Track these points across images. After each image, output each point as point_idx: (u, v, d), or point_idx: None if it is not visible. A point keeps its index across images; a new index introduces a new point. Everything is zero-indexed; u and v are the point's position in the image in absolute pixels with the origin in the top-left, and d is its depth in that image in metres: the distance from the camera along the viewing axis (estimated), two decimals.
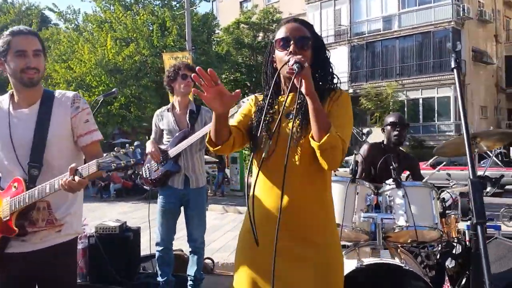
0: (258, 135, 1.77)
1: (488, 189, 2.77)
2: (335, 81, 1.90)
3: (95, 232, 4.33)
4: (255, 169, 1.82)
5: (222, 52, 20.15)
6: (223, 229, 9.47)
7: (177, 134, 3.76)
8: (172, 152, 3.68)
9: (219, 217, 11.14)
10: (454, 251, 3.06)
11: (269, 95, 1.84)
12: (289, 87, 1.71)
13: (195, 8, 19.76)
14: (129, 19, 16.97)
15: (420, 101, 26.61)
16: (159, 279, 3.81)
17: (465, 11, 25.49)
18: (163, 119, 3.86)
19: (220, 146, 1.84)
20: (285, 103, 1.69)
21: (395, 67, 27.80)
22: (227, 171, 17.03)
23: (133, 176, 17.24)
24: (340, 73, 31.71)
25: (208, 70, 1.67)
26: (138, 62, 16.77)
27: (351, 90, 27.05)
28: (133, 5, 18.68)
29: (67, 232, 2.15)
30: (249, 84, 26.98)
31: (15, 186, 2.05)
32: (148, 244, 4.65)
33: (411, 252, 3.11)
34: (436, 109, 26.21)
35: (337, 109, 1.80)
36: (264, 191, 1.81)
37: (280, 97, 1.90)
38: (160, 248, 3.75)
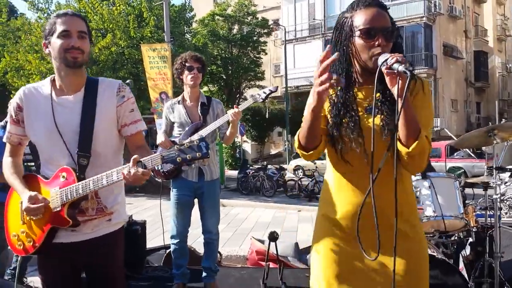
0: (344, 133, 1.70)
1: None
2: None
3: None
4: (332, 170, 1.79)
5: (200, 44, 19.97)
6: None
7: (189, 126, 3.73)
8: None
9: None
10: (472, 240, 3.16)
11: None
12: (357, 81, 1.65)
13: None
14: (105, 10, 16.60)
15: None
16: (174, 271, 3.80)
17: (437, 7, 26.11)
18: (174, 111, 3.82)
19: (311, 152, 1.71)
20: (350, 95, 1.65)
21: None
22: None
23: None
24: (315, 67, 31.90)
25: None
26: (115, 53, 16.41)
27: None
28: None
29: (116, 221, 2.15)
30: (224, 77, 26.90)
31: (63, 176, 2.00)
32: None
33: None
34: None
35: (420, 103, 1.68)
36: (343, 188, 1.76)
37: (356, 88, 1.75)
38: (176, 241, 3.73)
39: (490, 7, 34.88)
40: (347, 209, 1.74)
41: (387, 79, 1.53)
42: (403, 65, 1.45)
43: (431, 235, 3.10)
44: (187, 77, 3.73)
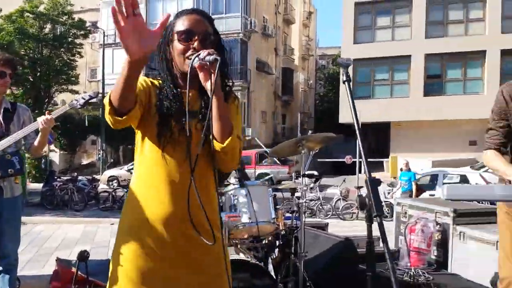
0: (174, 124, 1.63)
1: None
2: (230, 84, 1.77)
3: None
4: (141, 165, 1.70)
5: (5, 42, 17.70)
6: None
7: None
8: None
9: None
10: (280, 242, 3.40)
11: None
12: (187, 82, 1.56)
13: None
14: None
15: None
16: None
17: (252, 24, 27.89)
18: None
19: (125, 117, 1.50)
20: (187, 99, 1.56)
21: None
22: None
23: None
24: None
25: None
26: None
27: None
28: None
29: None
30: (32, 79, 24.46)
31: None
32: None
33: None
34: None
35: (232, 112, 1.72)
36: (151, 190, 1.65)
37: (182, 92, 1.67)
38: None
39: (297, 28, 38.76)
40: (161, 209, 1.63)
41: (201, 75, 1.53)
42: (214, 55, 1.48)
43: (245, 240, 3.21)
44: None
